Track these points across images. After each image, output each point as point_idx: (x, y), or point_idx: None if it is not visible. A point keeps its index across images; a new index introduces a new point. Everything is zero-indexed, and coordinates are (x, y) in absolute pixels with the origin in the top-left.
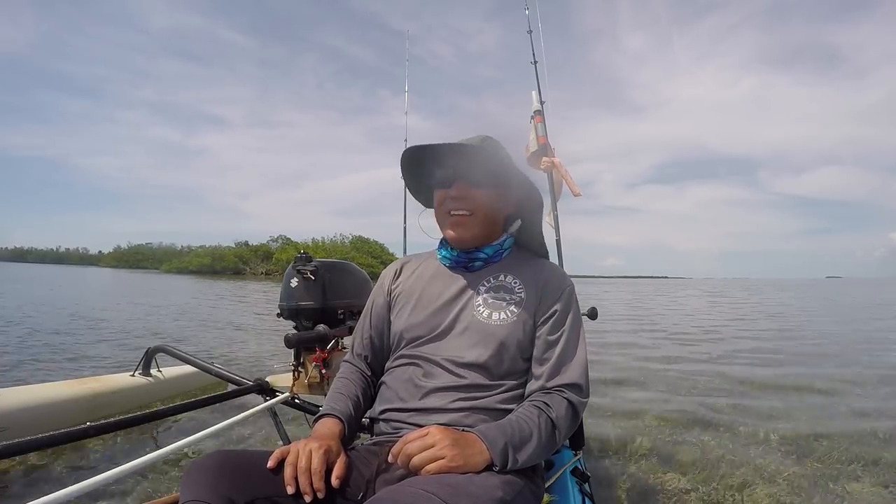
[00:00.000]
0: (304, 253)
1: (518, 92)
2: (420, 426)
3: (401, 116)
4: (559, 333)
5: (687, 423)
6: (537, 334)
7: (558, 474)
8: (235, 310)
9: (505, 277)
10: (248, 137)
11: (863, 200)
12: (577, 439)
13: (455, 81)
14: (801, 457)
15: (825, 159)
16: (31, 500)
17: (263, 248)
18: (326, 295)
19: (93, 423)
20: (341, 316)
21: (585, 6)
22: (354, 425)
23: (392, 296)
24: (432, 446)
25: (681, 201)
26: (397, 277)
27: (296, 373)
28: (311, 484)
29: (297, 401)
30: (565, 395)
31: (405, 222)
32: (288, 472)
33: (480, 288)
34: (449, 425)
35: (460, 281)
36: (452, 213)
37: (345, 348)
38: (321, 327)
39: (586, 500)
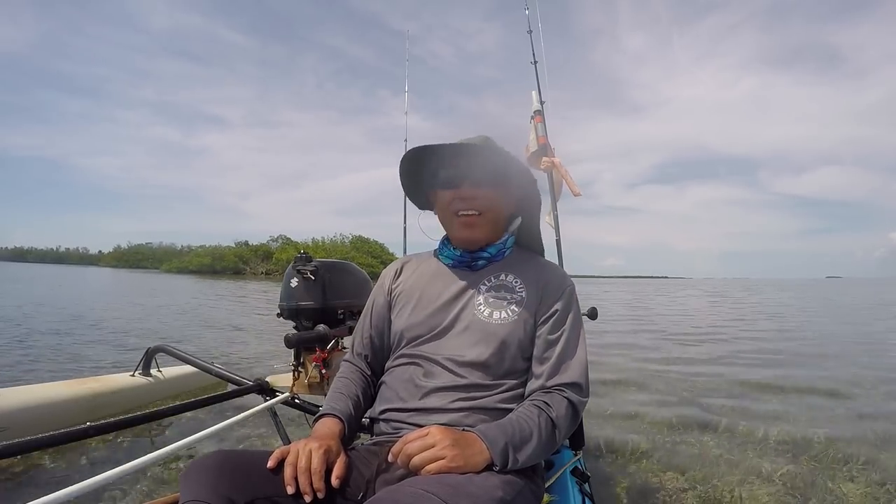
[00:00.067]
0: (304, 253)
1: (518, 92)
2: (420, 426)
3: (401, 116)
4: (560, 333)
5: (686, 424)
6: (538, 334)
7: (558, 474)
8: (235, 309)
9: (506, 277)
10: (248, 137)
11: (863, 200)
12: (577, 439)
13: (455, 81)
14: (798, 456)
15: (825, 159)
16: (31, 501)
17: (263, 247)
18: (326, 295)
19: (93, 423)
20: (341, 316)
21: (585, 6)
22: (354, 425)
23: (392, 295)
24: (432, 446)
25: (681, 201)
26: (398, 277)
27: (296, 373)
28: (311, 484)
29: (297, 401)
30: (565, 395)
31: (405, 222)
32: (288, 472)
33: (481, 287)
34: (449, 425)
35: (461, 280)
36: (461, 213)
37: (345, 348)
38: (321, 327)
39: (586, 500)
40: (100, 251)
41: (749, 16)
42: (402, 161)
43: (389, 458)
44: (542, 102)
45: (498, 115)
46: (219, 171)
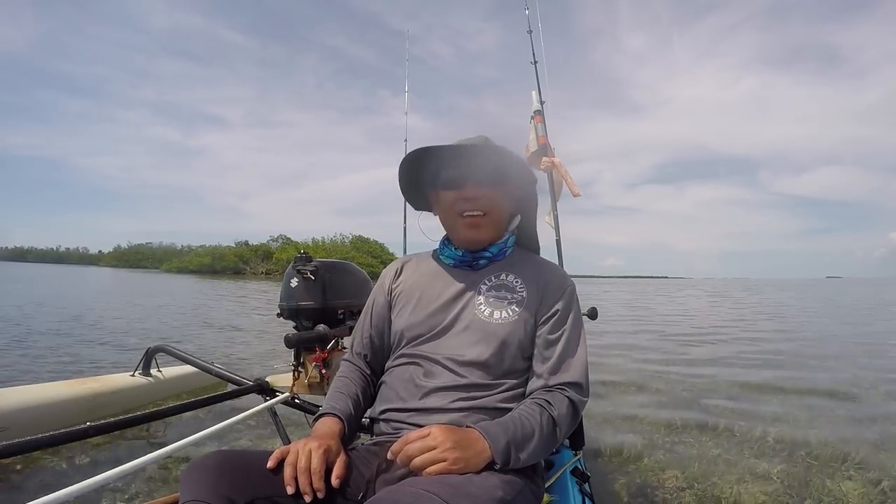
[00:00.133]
0: (304, 253)
1: (518, 92)
2: (420, 426)
3: (401, 116)
4: (560, 332)
5: (685, 424)
6: (538, 333)
7: (558, 474)
8: (235, 309)
9: (506, 276)
10: (248, 137)
11: (863, 200)
12: (577, 439)
13: (455, 81)
14: (796, 456)
15: (825, 159)
16: (31, 501)
17: (263, 247)
18: (326, 295)
19: (93, 423)
20: (341, 316)
21: (585, 6)
22: (354, 424)
23: (393, 295)
24: (434, 448)
25: (681, 201)
26: (398, 277)
27: (296, 373)
28: (311, 484)
29: (297, 401)
30: (567, 394)
31: (405, 222)
32: (288, 472)
33: (482, 287)
34: (450, 425)
35: (462, 279)
36: (466, 214)
37: (345, 348)
38: (321, 327)
39: (586, 500)
40: (100, 251)
41: (749, 16)
42: (402, 163)
43: (389, 455)
44: (542, 102)
45: (498, 115)
46: (219, 171)
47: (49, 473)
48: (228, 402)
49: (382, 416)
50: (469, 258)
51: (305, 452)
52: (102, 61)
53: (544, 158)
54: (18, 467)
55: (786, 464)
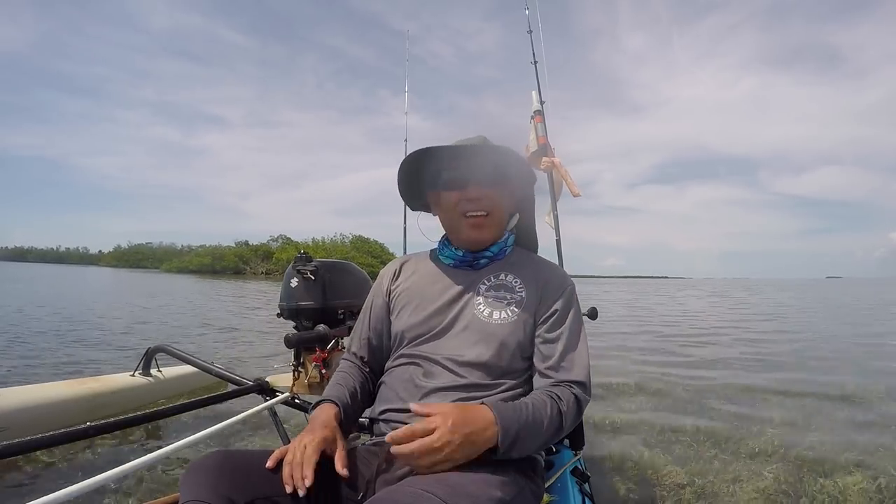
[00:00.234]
0: (304, 253)
1: (518, 92)
2: None
3: (401, 116)
4: (562, 332)
5: (685, 425)
6: (539, 333)
7: (558, 474)
8: (235, 309)
9: (505, 276)
10: (248, 137)
11: (863, 200)
12: (577, 439)
13: (455, 81)
14: (794, 455)
15: (825, 159)
16: (31, 500)
17: (264, 247)
18: (326, 295)
19: (93, 423)
20: (341, 316)
21: (585, 6)
22: (351, 412)
23: (391, 296)
24: (437, 449)
25: (681, 201)
26: (396, 278)
27: (296, 373)
28: (305, 478)
29: (297, 401)
30: (573, 391)
31: (405, 222)
32: (286, 471)
33: (481, 287)
34: None
35: (461, 280)
36: (469, 214)
37: (345, 348)
38: (321, 327)
39: (586, 500)
40: (100, 251)
41: (749, 16)
42: (402, 164)
43: (388, 439)
44: (542, 102)
45: (498, 115)
46: (219, 171)
47: (49, 473)
48: (228, 402)
49: (382, 417)
50: (469, 258)
51: (301, 448)
52: (102, 61)
53: (544, 158)
54: (19, 467)
55: (782, 462)
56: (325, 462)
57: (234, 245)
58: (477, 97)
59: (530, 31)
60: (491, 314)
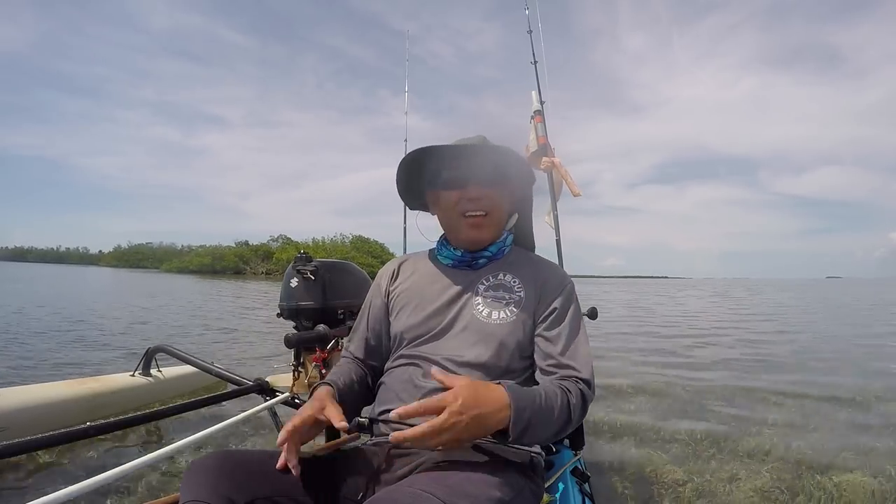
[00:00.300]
0: (304, 253)
1: (518, 92)
2: None
3: (401, 116)
4: (563, 330)
5: (685, 425)
6: (540, 332)
7: (558, 474)
8: (235, 310)
9: (504, 276)
10: (248, 137)
11: (863, 200)
12: (577, 439)
13: (455, 81)
14: (791, 453)
15: (825, 159)
16: (31, 500)
17: (264, 247)
18: (326, 295)
19: (93, 423)
20: (341, 316)
21: (585, 6)
22: (347, 395)
23: (390, 297)
24: (445, 429)
25: (681, 201)
26: (395, 278)
27: (296, 373)
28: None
29: (297, 401)
30: (580, 386)
31: (405, 222)
32: (281, 437)
33: (479, 287)
34: None
35: (460, 280)
36: (469, 214)
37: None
38: (321, 327)
39: (586, 500)
40: (100, 251)
41: (749, 16)
42: (401, 162)
43: (393, 416)
44: (542, 102)
45: (498, 115)
46: (219, 171)
47: (49, 473)
48: (228, 401)
49: (382, 417)
50: (468, 258)
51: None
52: (102, 61)
53: (544, 158)
54: (19, 467)
55: (780, 462)
56: (325, 462)
57: (234, 245)
58: (477, 97)
59: (530, 31)
60: (490, 314)
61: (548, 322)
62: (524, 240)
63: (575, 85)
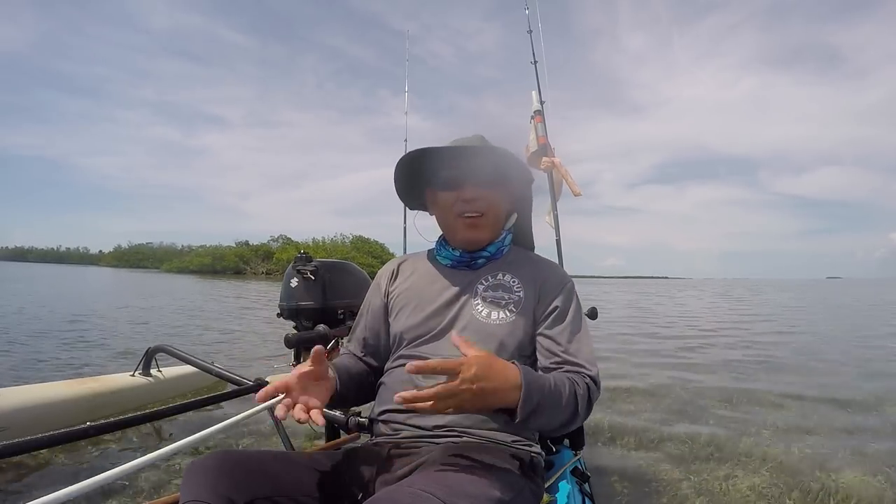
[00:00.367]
0: (304, 253)
1: (518, 92)
2: (420, 427)
3: (401, 116)
4: (566, 327)
5: (685, 426)
6: (541, 331)
7: (558, 474)
8: (235, 309)
9: (503, 276)
10: (248, 137)
11: (863, 200)
12: (577, 439)
13: (455, 81)
14: (790, 453)
15: (825, 159)
16: (31, 500)
17: (264, 247)
18: (326, 295)
19: (93, 423)
20: (341, 316)
21: (585, 6)
22: (345, 376)
23: (390, 297)
24: (453, 394)
25: (681, 201)
26: (394, 279)
27: None
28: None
29: None
30: (586, 381)
31: (405, 222)
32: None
33: (479, 287)
34: (449, 425)
35: (459, 280)
36: (465, 214)
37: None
38: (321, 327)
39: (586, 500)
40: (100, 251)
41: (749, 16)
42: (399, 163)
43: (408, 369)
44: (542, 102)
45: (498, 115)
46: (219, 171)
47: (49, 473)
48: (228, 401)
49: (381, 418)
50: (467, 258)
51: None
52: (102, 61)
53: (544, 158)
54: (19, 467)
55: (779, 462)
56: (324, 462)
57: (234, 245)
58: (477, 97)
59: (530, 31)
60: (489, 314)
61: (549, 320)
62: (524, 239)
63: (575, 85)
